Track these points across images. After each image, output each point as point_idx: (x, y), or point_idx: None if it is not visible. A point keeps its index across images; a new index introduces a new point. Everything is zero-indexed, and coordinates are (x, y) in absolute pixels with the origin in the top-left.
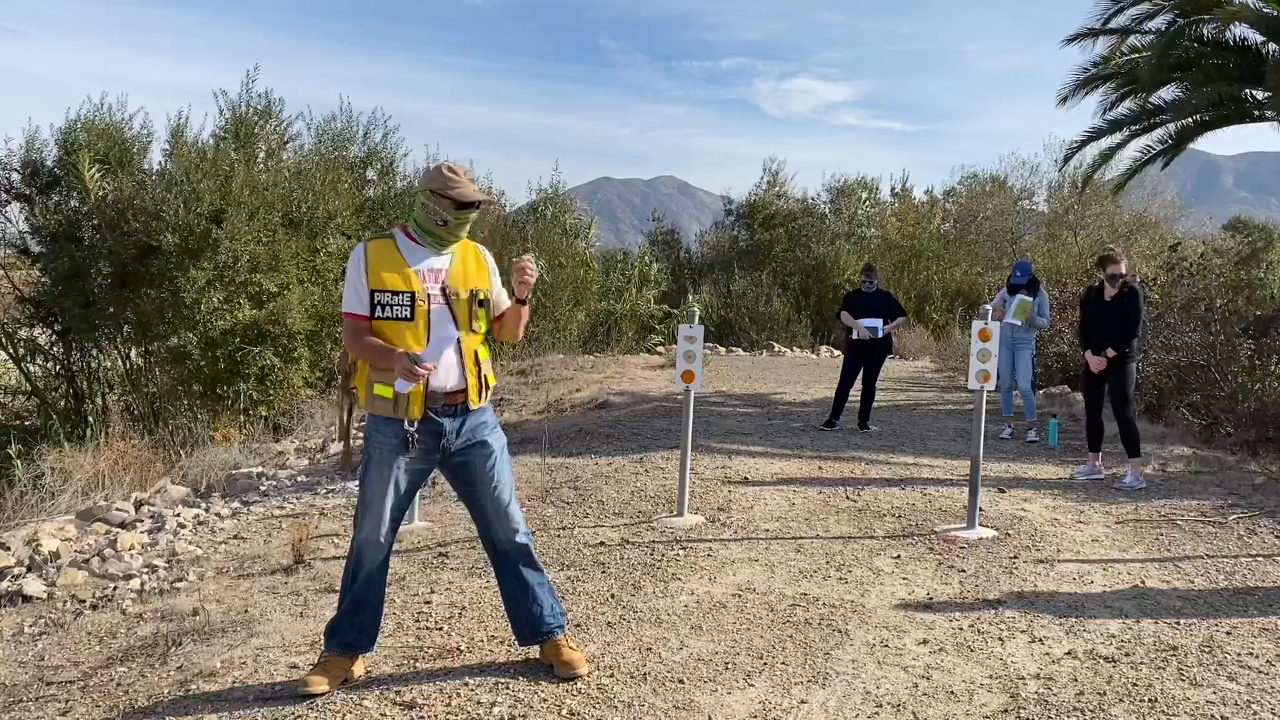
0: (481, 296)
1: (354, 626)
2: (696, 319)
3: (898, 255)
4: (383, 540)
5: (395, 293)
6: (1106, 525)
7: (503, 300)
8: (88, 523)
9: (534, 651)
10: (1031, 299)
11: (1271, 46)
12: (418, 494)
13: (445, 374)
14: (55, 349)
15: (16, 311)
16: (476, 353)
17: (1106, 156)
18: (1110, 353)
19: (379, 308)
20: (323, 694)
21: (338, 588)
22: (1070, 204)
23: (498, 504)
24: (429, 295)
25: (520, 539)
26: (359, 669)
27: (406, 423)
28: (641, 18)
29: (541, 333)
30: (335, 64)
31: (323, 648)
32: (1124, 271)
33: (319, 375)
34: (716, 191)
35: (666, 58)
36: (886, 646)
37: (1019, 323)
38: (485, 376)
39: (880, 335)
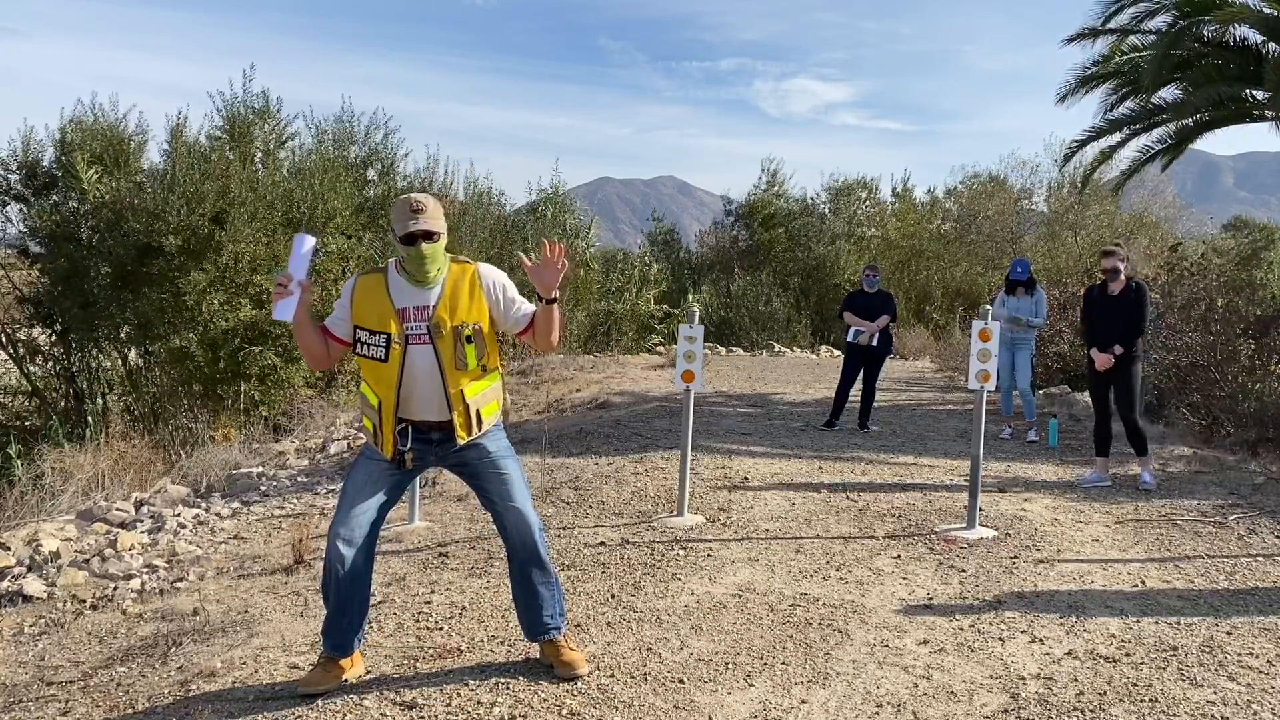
0: (468, 332)
1: (339, 629)
2: (696, 319)
3: (898, 255)
4: (353, 539)
5: (373, 332)
6: (1106, 525)
7: (523, 310)
8: (88, 523)
9: (534, 651)
10: (1008, 309)
11: (1271, 46)
12: (416, 497)
13: (424, 406)
14: (55, 349)
15: (16, 312)
16: (463, 391)
17: (1106, 156)
18: (1118, 350)
19: (359, 344)
20: (322, 694)
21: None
22: (1070, 204)
23: (505, 502)
24: (408, 335)
25: (527, 538)
26: (359, 668)
27: (399, 441)
28: (641, 18)
29: None
30: (335, 64)
31: (321, 648)
32: (1120, 266)
33: (319, 375)
34: (716, 191)
35: (666, 58)
36: (887, 646)
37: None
38: (477, 412)
39: (863, 343)
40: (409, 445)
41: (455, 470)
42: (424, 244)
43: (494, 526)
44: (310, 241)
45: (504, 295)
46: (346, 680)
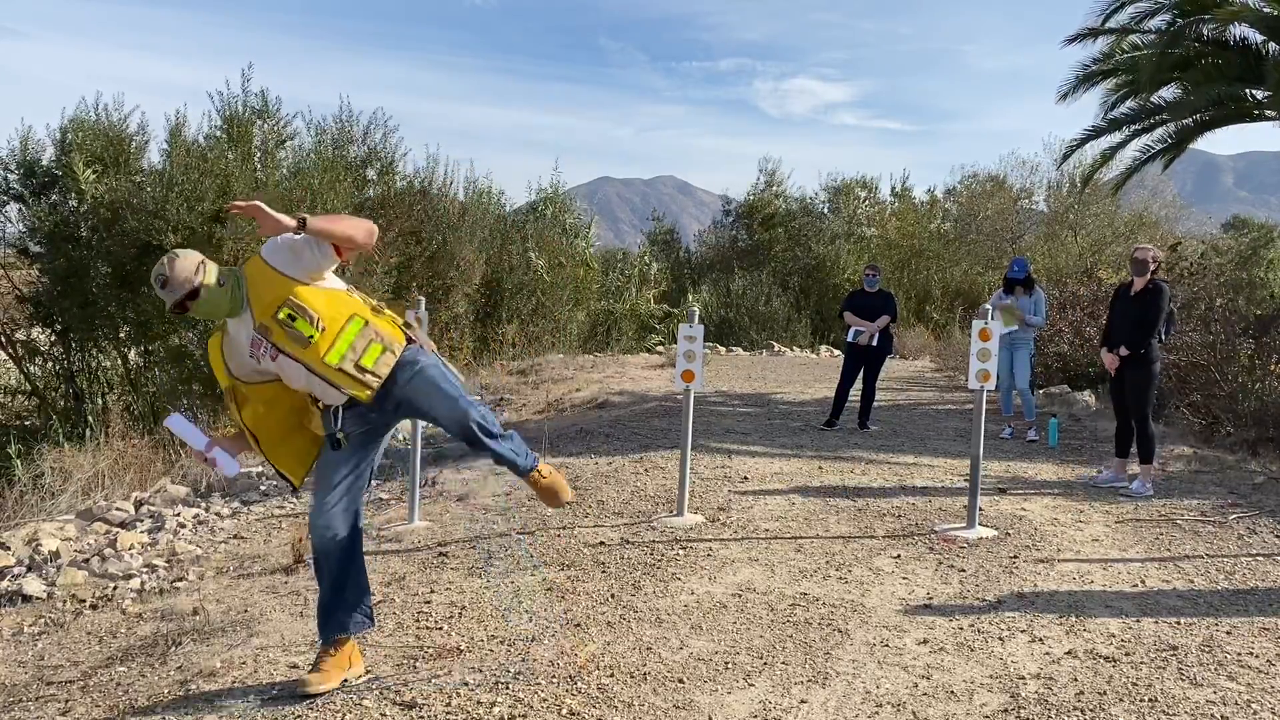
0: (284, 312)
1: (337, 608)
2: (696, 318)
3: (898, 255)
4: (334, 513)
5: (229, 389)
6: (1106, 525)
7: (322, 270)
8: (88, 522)
9: (534, 651)
10: (1013, 302)
11: (1271, 46)
12: (416, 497)
13: (327, 394)
14: (55, 349)
15: (16, 312)
16: (326, 361)
17: (1107, 156)
18: (1123, 351)
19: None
20: (323, 693)
21: None
22: (1070, 204)
23: (452, 411)
24: (267, 354)
25: (471, 423)
26: (359, 667)
27: (334, 421)
28: (641, 18)
29: (541, 333)
30: (335, 64)
31: (320, 643)
32: (1148, 261)
33: None
34: (716, 191)
35: (666, 58)
36: (886, 646)
37: (1014, 327)
38: (358, 365)
39: (863, 343)
40: (339, 425)
41: (403, 415)
42: (190, 305)
43: (493, 524)
44: (178, 418)
45: (283, 248)
46: (346, 680)
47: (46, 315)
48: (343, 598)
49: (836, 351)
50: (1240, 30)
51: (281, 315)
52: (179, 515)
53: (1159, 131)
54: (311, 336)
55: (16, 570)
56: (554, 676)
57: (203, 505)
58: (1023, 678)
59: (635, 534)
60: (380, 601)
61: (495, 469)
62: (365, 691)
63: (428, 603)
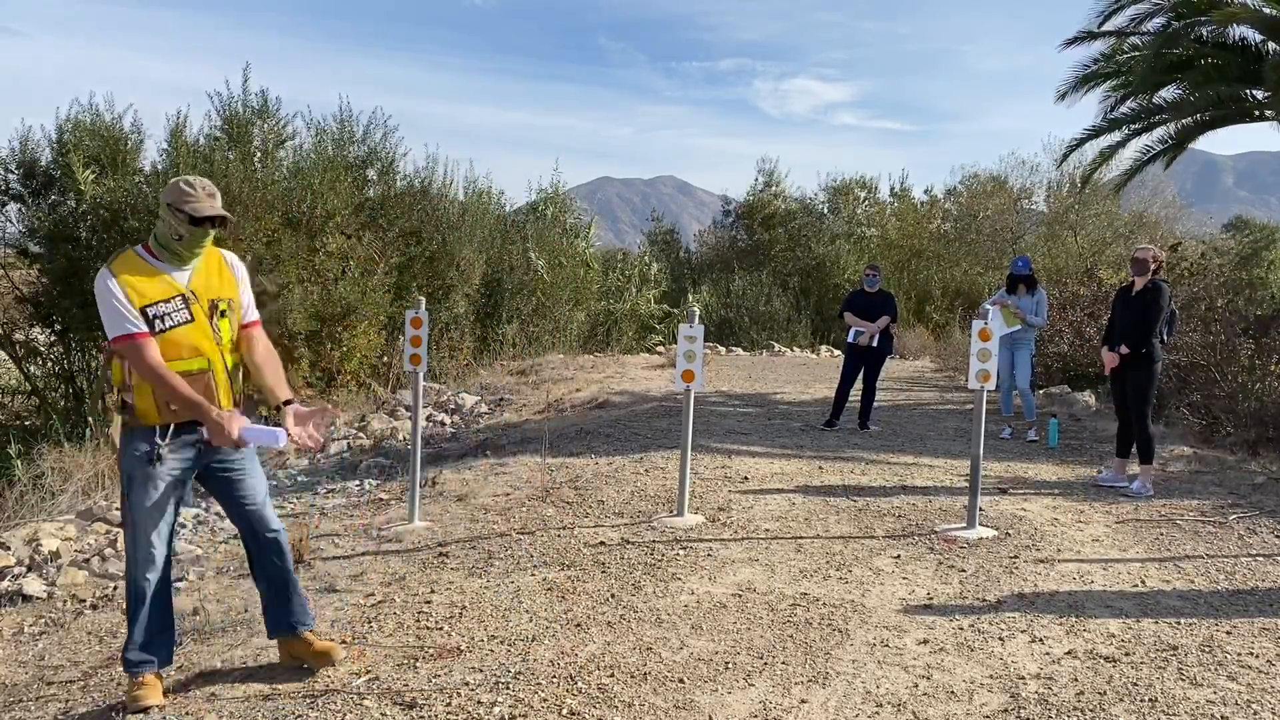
0: (223, 307)
1: (166, 645)
2: (696, 319)
3: (898, 255)
4: (163, 559)
5: (167, 300)
6: (1106, 525)
7: (249, 312)
8: (88, 522)
9: (534, 651)
10: (1013, 302)
11: (1271, 46)
12: (416, 497)
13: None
14: (55, 349)
15: (16, 312)
16: (225, 364)
17: (1107, 156)
18: (1123, 350)
19: (157, 321)
20: (161, 705)
21: (338, 587)
22: (1070, 204)
23: (254, 500)
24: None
25: (272, 533)
26: (359, 664)
27: (158, 435)
28: (641, 18)
29: (541, 333)
30: (335, 64)
31: (132, 673)
32: (1148, 261)
33: (319, 375)
34: (716, 191)
35: (666, 58)
36: (887, 646)
37: (1017, 327)
38: (232, 382)
39: (864, 343)
40: (164, 442)
41: (209, 471)
42: (210, 228)
43: (494, 525)
44: (251, 429)
45: (243, 289)
46: (354, 679)
47: (46, 315)
48: (168, 632)
49: (836, 352)
50: (1239, 30)
51: (221, 306)
52: (178, 515)
53: (1159, 131)
54: (224, 340)
55: (17, 570)
56: (554, 676)
57: (202, 505)
58: (1023, 678)
59: (635, 534)
60: (380, 601)
61: (494, 470)
62: (365, 691)
63: (428, 603)
